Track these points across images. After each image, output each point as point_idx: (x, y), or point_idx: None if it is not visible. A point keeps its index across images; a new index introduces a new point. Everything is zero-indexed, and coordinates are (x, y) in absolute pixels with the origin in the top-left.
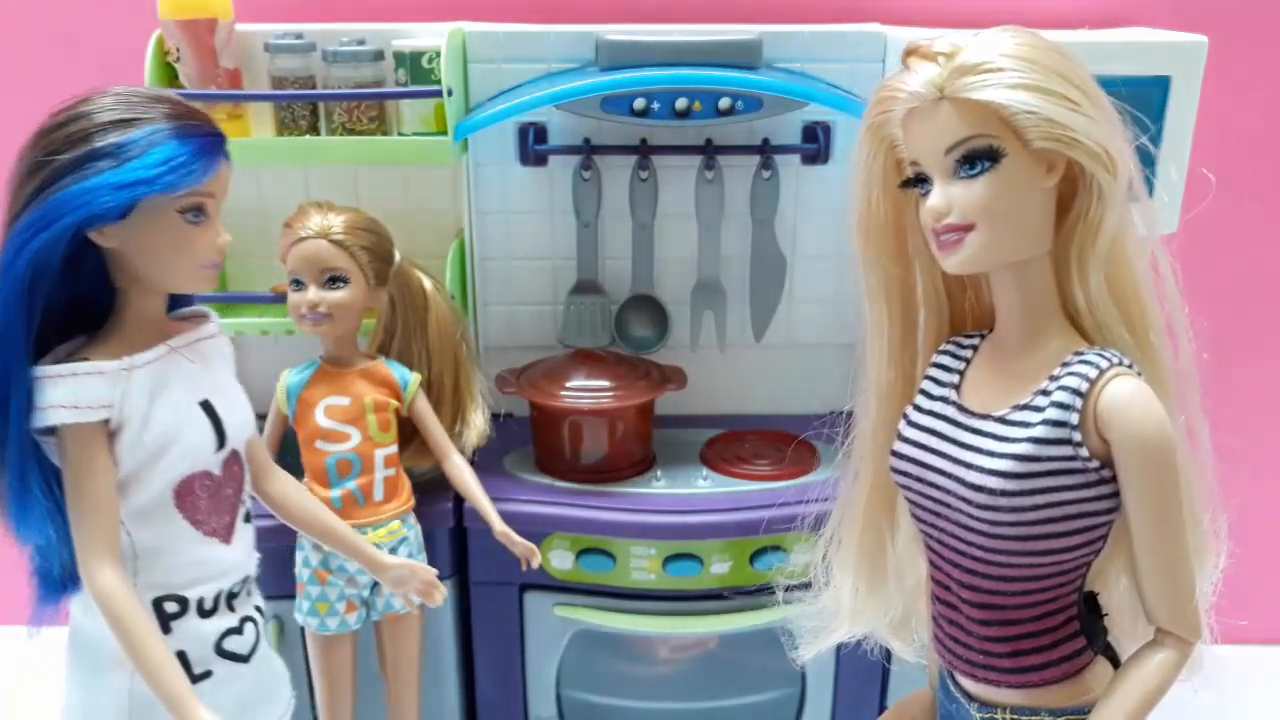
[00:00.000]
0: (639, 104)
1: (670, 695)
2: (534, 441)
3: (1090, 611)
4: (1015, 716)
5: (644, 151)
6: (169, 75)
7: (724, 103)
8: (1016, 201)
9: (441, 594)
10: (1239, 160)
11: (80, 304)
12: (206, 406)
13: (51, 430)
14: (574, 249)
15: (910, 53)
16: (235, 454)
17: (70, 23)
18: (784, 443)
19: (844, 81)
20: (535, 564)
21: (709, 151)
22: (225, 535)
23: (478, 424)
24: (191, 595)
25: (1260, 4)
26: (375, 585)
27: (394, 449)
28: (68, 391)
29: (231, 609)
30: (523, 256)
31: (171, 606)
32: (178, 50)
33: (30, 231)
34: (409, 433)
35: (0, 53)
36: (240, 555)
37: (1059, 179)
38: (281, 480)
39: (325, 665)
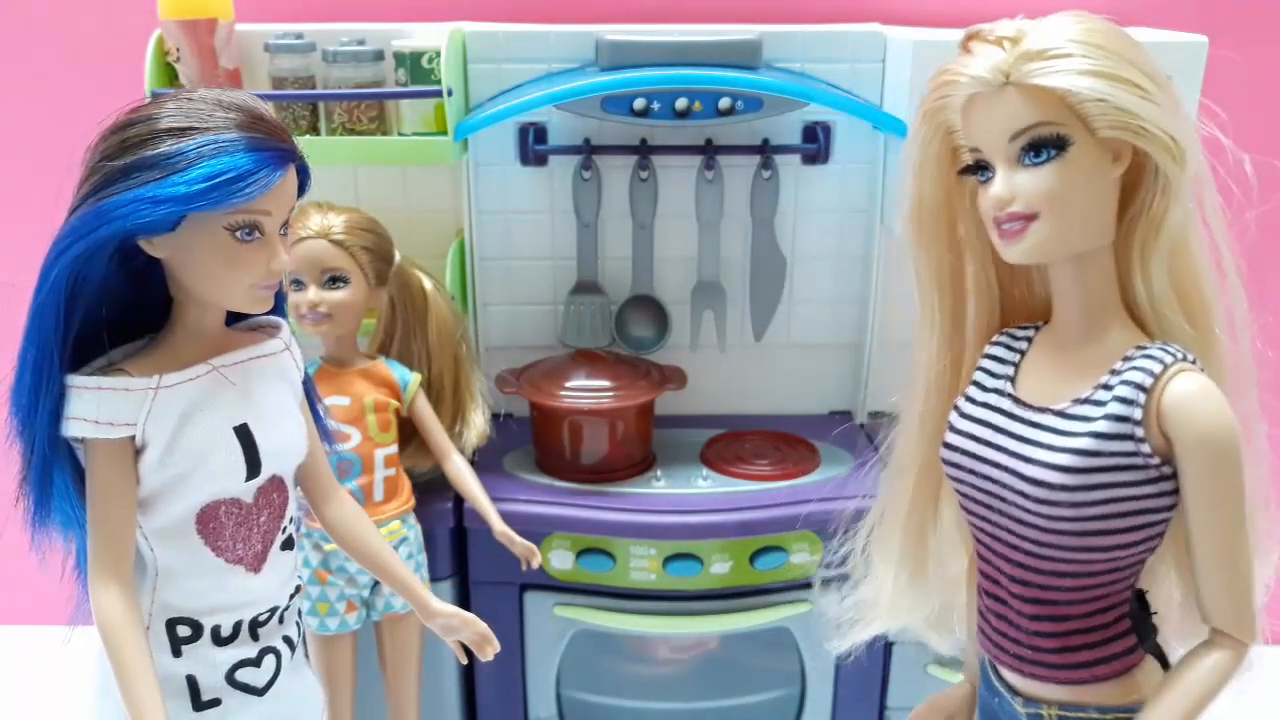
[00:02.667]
0: (639, 104)
1: (670, 695)
2: (534, 441)
3: (1140, 609)
4: (1063, 713)
5: (644, 151)
6: (169, 75)
7: (724, 103)
8: (1082, 191)
9: (494, 648)
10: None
11: (150, 304)
12: (242, 432)
13: (80, 438)
14: (574, 249)
15: (971, 37)
16: (276, 481)
17: (70, 23)
18: (784, 443)
19: (844, 81)
20: (535, 564)
21: (709, 151)
22: (254, 564)
23: (478, 424)
24: (206, 622)
25: (1260, 4)
26: (375, 585)
27: (394, 449)
28: (91, 405)
29: (255, 638)
30: (523, 256)
31: (184, 630)
32: (178, 50)
33: (71, 239)
34: (409, 433)
35: (1, 53)
36: (271, 585)
37: (1125, 169)
38: (342, 507)
39: (325, 665)
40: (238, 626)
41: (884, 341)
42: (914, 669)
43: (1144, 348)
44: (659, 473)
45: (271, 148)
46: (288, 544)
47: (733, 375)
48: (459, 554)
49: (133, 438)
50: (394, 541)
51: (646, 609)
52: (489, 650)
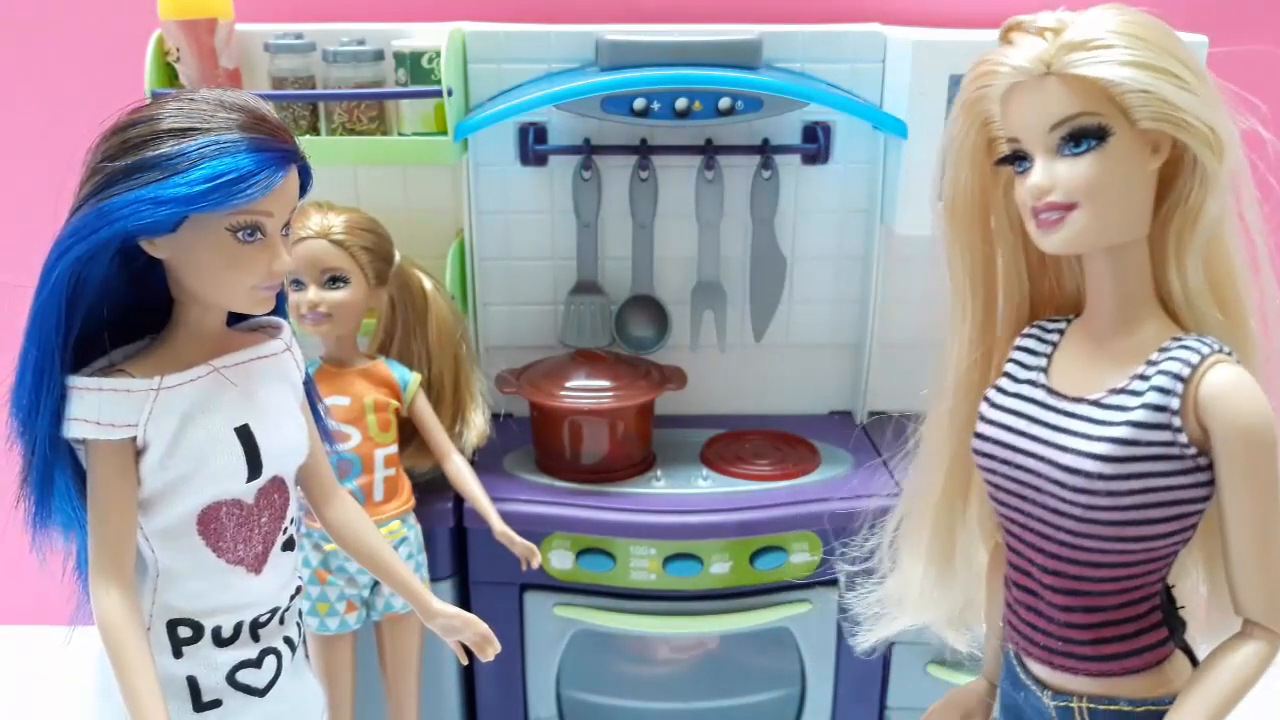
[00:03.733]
0: (639, 104)
1: (670, 695)
2: (534, 441)
3: (1168, 602)
4: (1093, 705)
5: (644, 151)
6: (169, 75)
7: (724, 103)
8: (1121, 182)
9: (495, 649)
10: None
11: (151, 304)
12: (243, 433)
13: (81, 439)
14: (574, 249)
15: (1012, 28)
16: (277, 482)
17: (70, 23)
18: (784, 443)
19: (844, 81)
20: (535, 564)
21: (709, 151)
22: (254, 565)
23: (478, 424)
24: (207, 623)
25: (1260, 4)
26: (375, 585)
27: (394, 449)
28: (92, 407)
29: (256, 639)
30: (523, 256)
31: (185, 631)
32: (178, 50)
33: (72, 239)
34: (409, 433)
35: (1, 53)
36: (271, 586)
37: (1163, 162)
38: (343, 508)
39: (325, 665)
40: (238, 627)
41: (884, 341)
42: (914, 669)
43: (1180, 339)
44: (659, 473)
45: (273, 148)
46: (288, 545)
47: (733, 375)
48: (459, 554)
49: (134, 439)
50: (394, 541)
51: (646, 609)
52: (490, 651)
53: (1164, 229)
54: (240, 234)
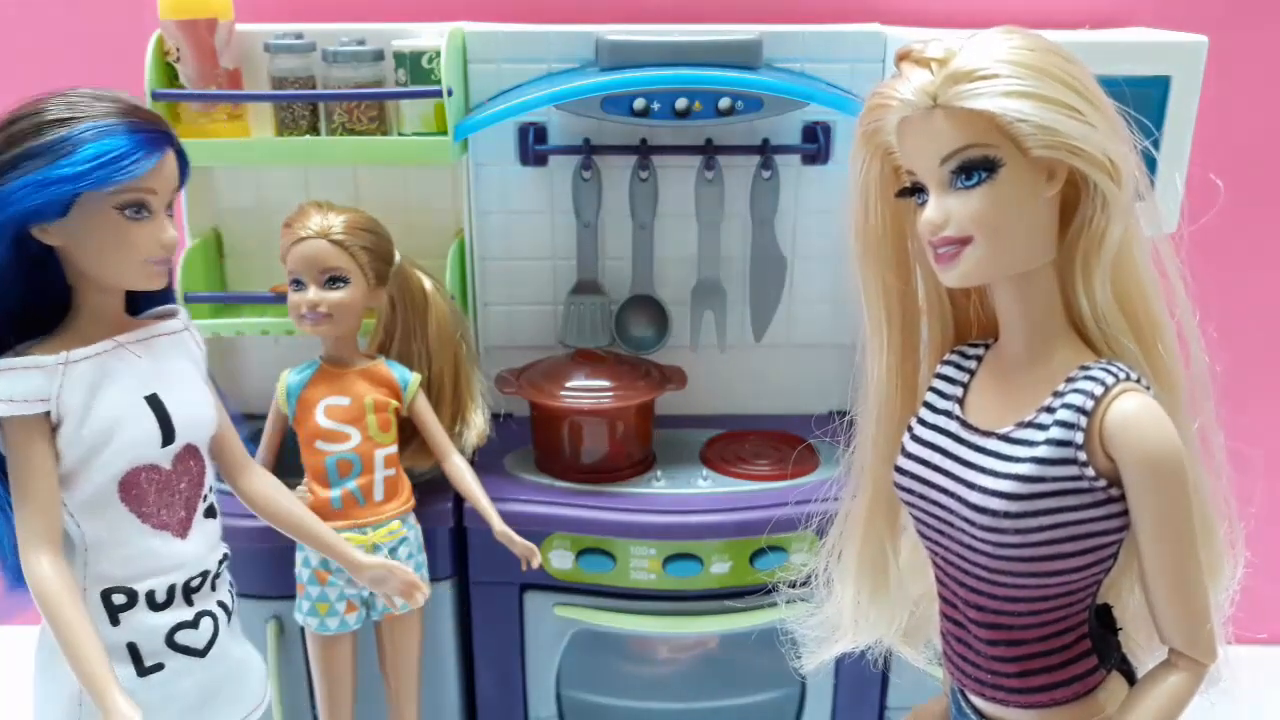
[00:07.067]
0: (639, 104)
1: (670, 695)
2: (534, 441)
3: (1103, 626)
4: None
5: (644, 151)
6: (169, 75)
7: (724, 103)
8: (1016, 213)
9: (423, 594)
10: (1239, 161)
11: (48, 304)
12: (153, 401)
13: None
14: (574, 249)
15: (902, 57)
16: (192, 449)
17: (70, 23)
18: (784, 443)
19: (844, 81)
20: (535, 564)
21: (709, 151)
22: (179, 529)
23: (478, 424)
24: (140, 588)
25: (1260, 4)
26: None
27: (394, 449)
28: (5, 385)
29: (190, 602)
30: (523, 256)
31: (119, 598)
32: (178, 50)
33: None
34: (409, 433)
35: (0, 53)
36: (199, 550)
37: (1061, 186)
38: (257, 478)
39: (325, 665)
40: (171, 590)
41: None
42: (914, 669)
43: (1087, 368)
44: (659, 473)
45: (150, 130)
46: (210, 512)
47: (733, 375)
48: (459, 554)
49: (48, 414)
50: (393, 542)
51: (646, 609)
52: (419, 596)
53: (1070, 253)
54: (128, 211)
